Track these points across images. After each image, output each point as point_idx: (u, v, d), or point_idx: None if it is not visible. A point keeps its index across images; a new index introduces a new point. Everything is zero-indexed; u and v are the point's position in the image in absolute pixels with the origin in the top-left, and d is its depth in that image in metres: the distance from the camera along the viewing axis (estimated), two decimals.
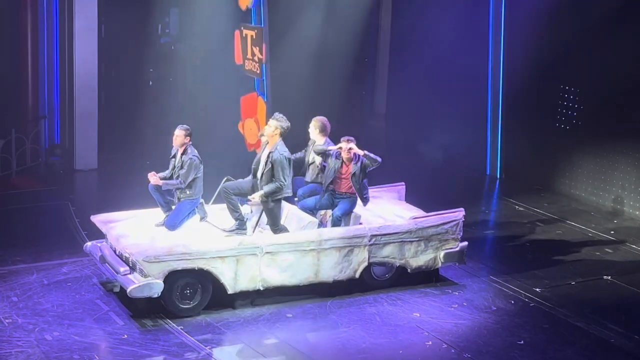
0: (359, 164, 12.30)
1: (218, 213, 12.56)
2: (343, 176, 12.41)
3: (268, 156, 11.90)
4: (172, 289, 11.40)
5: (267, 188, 11.83)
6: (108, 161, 17.87)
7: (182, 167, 12.18)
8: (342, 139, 12.46)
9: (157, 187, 12.27)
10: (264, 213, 12.09)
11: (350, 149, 12.24)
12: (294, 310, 11.78)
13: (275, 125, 11.97)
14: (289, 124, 12.04)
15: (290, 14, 18.50)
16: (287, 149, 12.04)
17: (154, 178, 12.17)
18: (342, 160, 12.38)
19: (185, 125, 12.33)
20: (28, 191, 16.45)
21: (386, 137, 20.41)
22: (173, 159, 12.40)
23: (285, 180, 11.87)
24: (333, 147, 12.46)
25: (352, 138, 12.43)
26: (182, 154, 12.25)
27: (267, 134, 12.02)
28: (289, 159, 11.97)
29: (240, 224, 12.12)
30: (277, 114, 12.20)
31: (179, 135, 12.26)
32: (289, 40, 18.36)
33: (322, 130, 12.81)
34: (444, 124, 18.92)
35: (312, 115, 13.10)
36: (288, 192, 12.05)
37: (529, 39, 17.22)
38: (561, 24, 16.68)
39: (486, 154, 18.41)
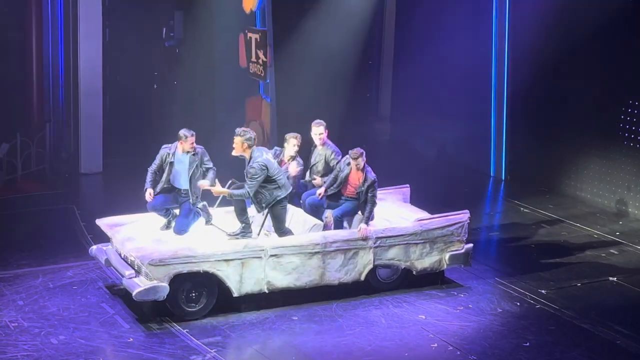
0: (365, 186, 12.31)
1: (223, 216, 12.56)
2: (349, 182, 12.45)
3: (247, 170, 11.81)
4: (178, 292, 11.41)
5: (235, 190, 11.76)
6: (113, 165, 17.88)
7: (203, 163, 12.09)
8: (350, 152, 12.40)
9: (157, 206, 12.19)
10: (269, 216, 12.09)
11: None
12: (300, 313, 11.77)
13: (240, 140, 11.80)
14: (253, 134, 11.88)
15: (294, 16, 18.51)
16: (263, 155, 11.83)
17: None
18: (349, 170, 12.43)
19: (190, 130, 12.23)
20: (33, 195, 16.46)
21: (391, 139, 20.42)
22: (169, 164, 12.16)
23: (250, 189, 11.62)
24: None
25: (359, 151, 12.39)
26: (194, 154, 12.15)
27: (238, 152, 11.86)
28: (265, 165, 11.69)
29: (246, 227, 12.12)
30: (237, 129, 11.95)
31: (194, 140, 12.14)
32: (293, 42, 18.37)
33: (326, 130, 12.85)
34: (449, 126, 18.92)
35: (315, 116, 13.10)
36: (281, 194, 11.88)
37: (533, 40, 17.20)
38: (566, 23, 16.65)
39: (491, 155, 18.40)
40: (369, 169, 12.45)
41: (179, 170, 12.20)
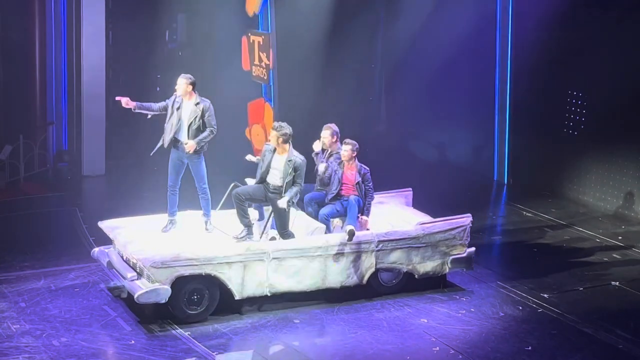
0: (360, 177, 12.41)
1: (226, 218, 12.56)
2: (345, 182, 12.47)
3: (287, 164, 11.85)
4: (180, 295, 11.40)
5: (290, 193, 11.84)
6: (115, 167, 17.90)
7: (202, 115, 12.03)
8: (344, 142, 12.53)
9: (175, 189, 12.25)
10: (271, 218, 12.09)
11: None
12: (301, 316, 11.77)
13: (276, 135, 11.93)
14: (290, 130, 12.01)
15: (297, 19, 18.51)
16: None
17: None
18: (343, 169, 12.45)
19: (187, 75, 12.13)
20: (36, 197, 16.47)
21: (393, 142, 20.40)
22: (168, 105, 12.14)
23: (302, 183, 12.00)
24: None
25: (349, 142, 12.47)
26: (193, 102, 12.04)
27: (274, 145, 12.02)
28: (304, 160, 12.04)
29: (249, 230, 12.13)
30: (274, 123, 12.14)
31: (181, 84, 12.05)
32: (296, 46, 18.38)
33: (334, 135, 12.86)
34: (451, 130, 18.92)
35: (318, 120, 13.10)
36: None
37: (537, 44, 17.22)
38: (569, 29, 16.67)
39: (493, 159, 18.40)
40: (360, 164, 12.51)
41: (183, 120, 12.15)
